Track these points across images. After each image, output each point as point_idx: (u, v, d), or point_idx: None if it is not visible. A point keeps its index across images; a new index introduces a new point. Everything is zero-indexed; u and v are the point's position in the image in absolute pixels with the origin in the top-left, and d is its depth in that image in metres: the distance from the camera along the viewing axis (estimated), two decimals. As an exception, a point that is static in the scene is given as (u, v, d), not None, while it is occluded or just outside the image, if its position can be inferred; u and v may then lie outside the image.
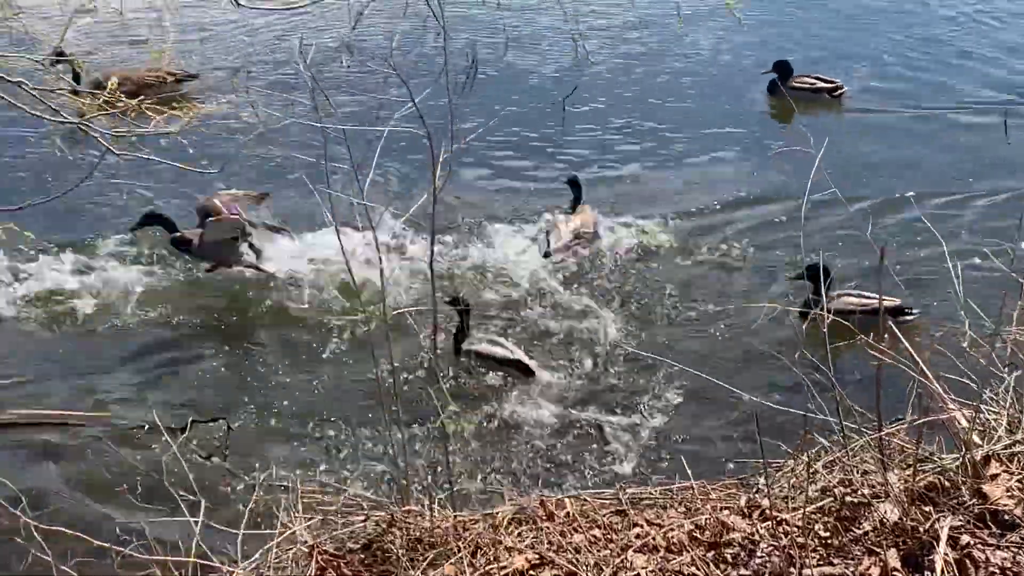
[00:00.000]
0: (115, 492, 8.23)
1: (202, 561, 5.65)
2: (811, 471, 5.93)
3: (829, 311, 6.55)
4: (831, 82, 15.63)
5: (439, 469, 7.63)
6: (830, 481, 5.91)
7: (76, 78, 13.18)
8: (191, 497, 6.10)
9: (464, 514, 6.05)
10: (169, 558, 5.58)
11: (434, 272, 6.31)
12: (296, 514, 5.95)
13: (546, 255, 11.80)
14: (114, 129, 7.06)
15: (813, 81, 15.60)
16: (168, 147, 11.24)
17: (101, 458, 8.88)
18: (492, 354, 10.00)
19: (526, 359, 9.99)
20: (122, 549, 5.72)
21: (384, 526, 5.79)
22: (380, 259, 6.16)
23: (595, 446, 9.02)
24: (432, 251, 6.28)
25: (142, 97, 7.34)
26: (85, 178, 7.66)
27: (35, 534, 5.64)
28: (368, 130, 7.03)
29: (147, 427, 8.96)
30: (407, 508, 5.91)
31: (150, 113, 7.26)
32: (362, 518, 5.97)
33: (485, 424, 9.27)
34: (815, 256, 10.13)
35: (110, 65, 15.30)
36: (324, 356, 10.20)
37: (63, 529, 5.87)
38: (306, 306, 10.97)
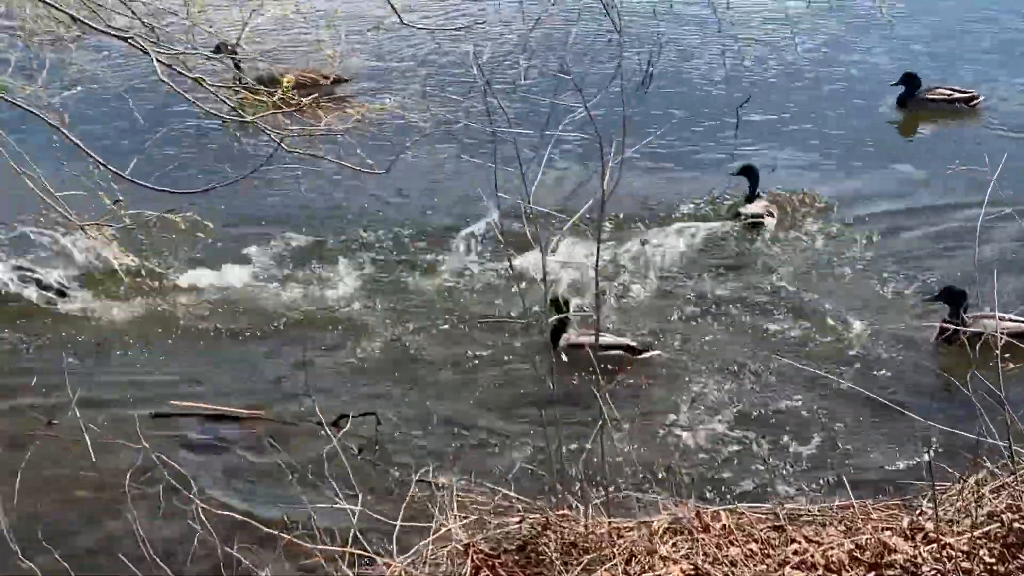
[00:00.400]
0: (277, 482, 8.44)
1: (360, 552, 5.75)
2: (978, 495, 5.78)
3: (1003, 333, 6.38)
4: (966, 92, 15.50)
5: (595, 474, 7.61)
6: (997, 506, 5.75)
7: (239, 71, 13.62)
8: (348, 491, 6.23)
9: (618, 520, 6.04)
10: (330, 548, 5.70)
11: (598, 275, 6.32)
12: (451, 512, 6.02)
13: (736, 216, 12.34)
14: (286, 127, 7.22)
15: (949, 92, 15.52)
16: (337, 144, 11.50)
17: (261, 449, 9.09)
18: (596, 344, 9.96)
19: (631, 341, 10.07)
20: (286, 536, 5.86)
21: (539, 528, 5.82)
22: (544, 264, 6.19)
23: (752, 459, 8.91)
24: (598, 255, 6.30)
25: (315, 95, 7.49)
26: (256, 168, 7.84)
27: (202, 516, 5.81)
28: (539, 134, 7.07)
29: (302, 421, 9.19)
30: (562, 512, 5.93)
31: (320, 112, 7.41)
32: (517, 519, 6.00)
33: (641, 430, 9.23)
34: (976, 274, 9.83)
35: (271, 62, 15.57)
36: (480, 357, 10.28)
37: (231, 514, 6.05)
38: (462, 307, 11.06)
